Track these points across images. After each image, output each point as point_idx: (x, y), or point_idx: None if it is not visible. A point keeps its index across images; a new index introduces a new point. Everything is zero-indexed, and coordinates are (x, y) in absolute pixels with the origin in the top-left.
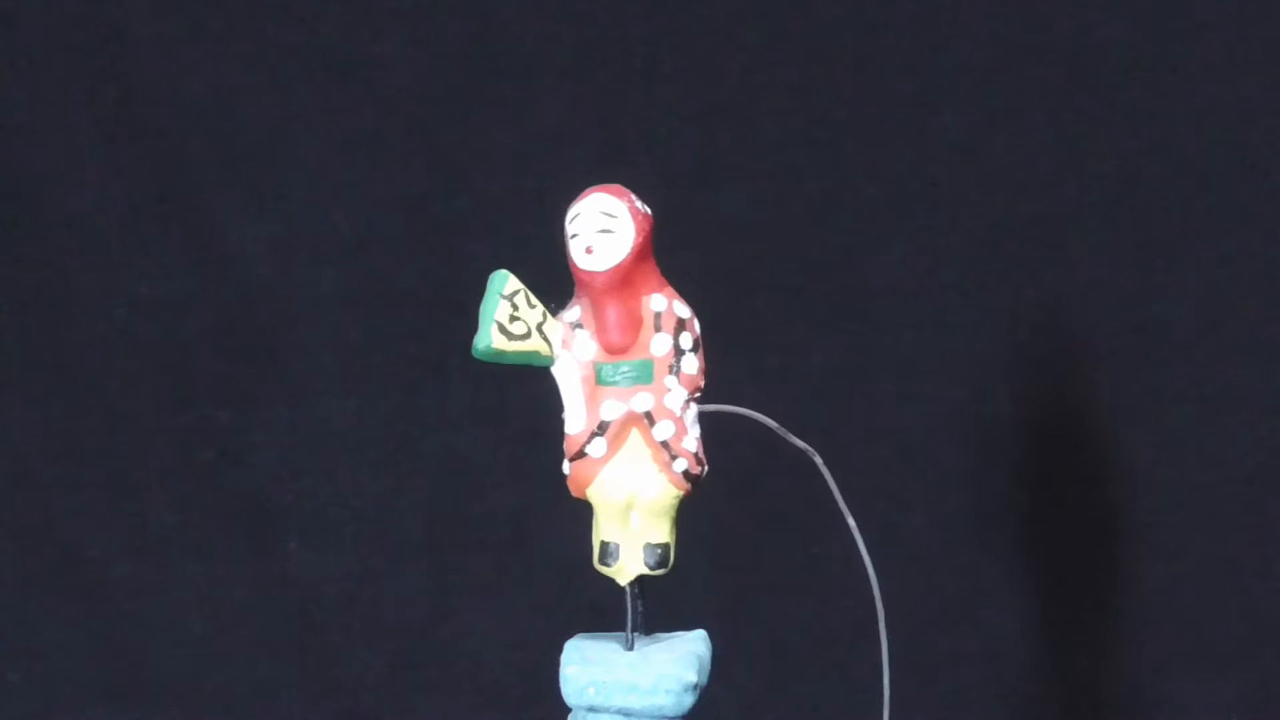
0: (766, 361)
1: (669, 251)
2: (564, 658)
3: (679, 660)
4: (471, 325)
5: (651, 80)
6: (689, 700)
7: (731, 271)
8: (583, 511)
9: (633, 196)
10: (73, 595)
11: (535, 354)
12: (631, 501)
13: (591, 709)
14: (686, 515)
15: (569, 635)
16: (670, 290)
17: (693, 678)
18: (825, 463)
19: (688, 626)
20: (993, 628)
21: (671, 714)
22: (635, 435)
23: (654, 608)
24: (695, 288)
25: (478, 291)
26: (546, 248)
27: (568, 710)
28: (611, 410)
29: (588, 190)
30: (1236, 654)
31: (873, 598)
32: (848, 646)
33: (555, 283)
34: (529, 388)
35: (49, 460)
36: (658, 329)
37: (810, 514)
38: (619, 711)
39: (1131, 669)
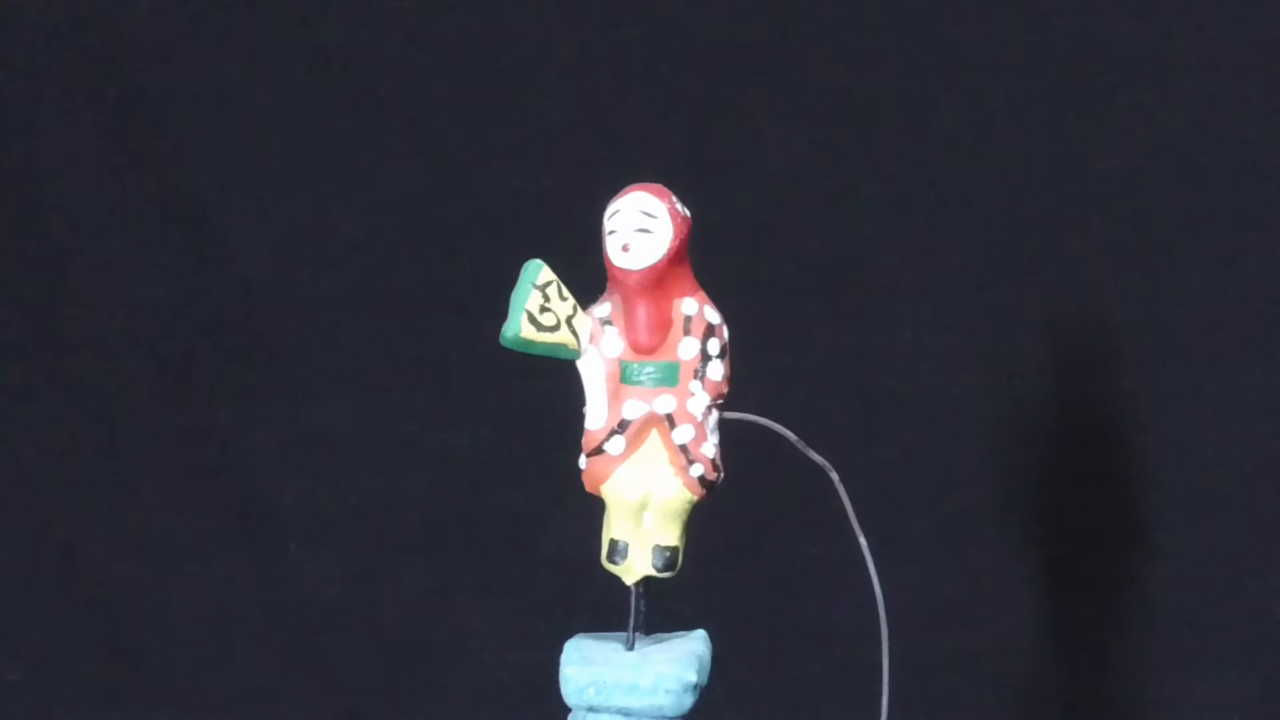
0: (767, 361)
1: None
2: (564, 658)
3: (679, 660)
4: (470, 325)
5: (651, 80)
6: (689, 700)
7: (732, 271)
8: (583, 513)
9: (674, 198)
10: (73, 596)
11: (563, 346)
12: (645, 502)
13: (591, 709)
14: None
15: (568, 635)
16: (702, 295)
17: (692, 678)
18: (822, 460)
19: (688, 626)
20: (993, 628)
21: (671, 714)
22: (655, 436)
23: (654, 607)
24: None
25: (477, 291)
26: (546, 248)
27: (567, 710)
28: (633, 409)
29: (629, 188)
30: (1237, 654)
31: (873, 598)
32: (848, 646)
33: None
34: (528, 388)
35: (49, 460)
36: (687, 332)
37: (811, 514)
38: (618, 711)
39: (1132, 669)
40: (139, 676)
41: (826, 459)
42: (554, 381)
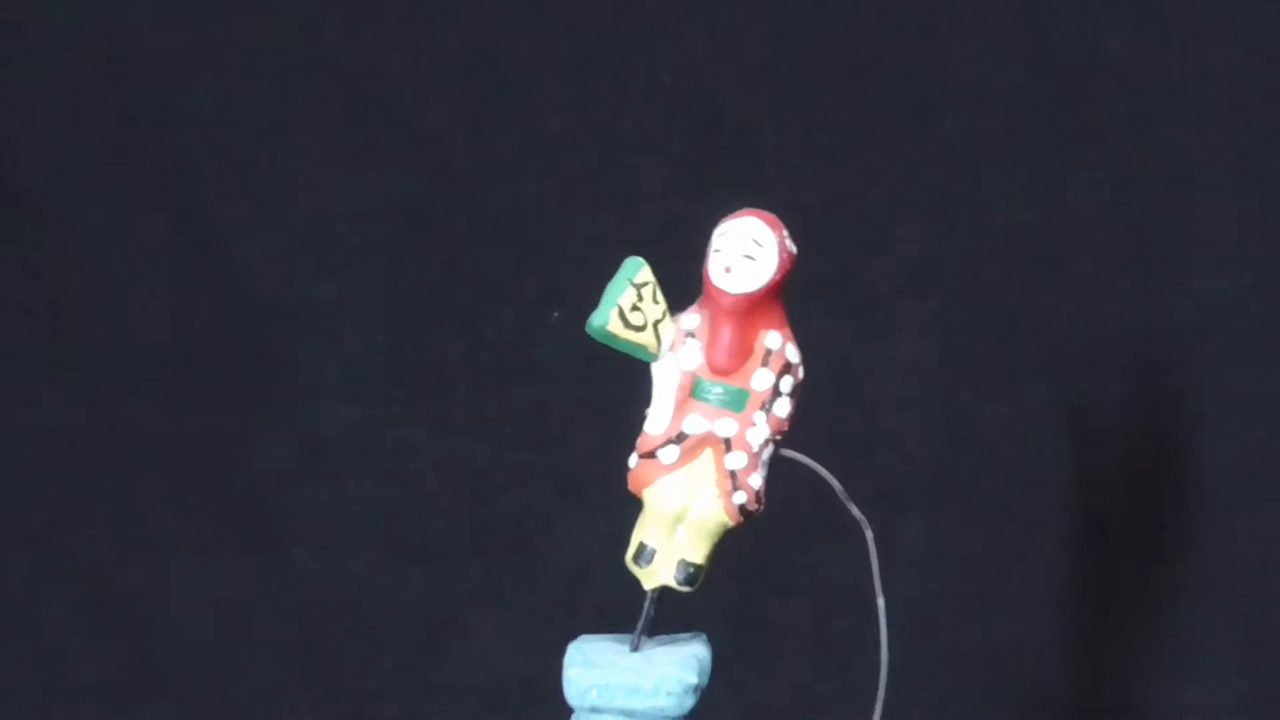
0: None
1: (672, 258)
2: (566, 660)
3: (680, 662)
4: (473, 331)
5: (651, 86)
6: (690, 702)
7: None
8: (584, 516)
9: (785, 232)
10: (77, 601)
11: (643, 348)
12: (682, 515)
13: (594, 710)
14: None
15: (571, 638)
16: (788, 332)
17: (694, 679)
18: (822, 464)
19: (688, 628)
20: (993, 628)
21: (673, 715)
22: (708, 455)
23: (661, 612)
24: (696, 292)
25: (479, 298)
26: (547, 253)
27: (570, 712)
28: (694, 425)
29: (744, 211)
30: (1235, 656)
31: (873, 604)
32: (848, 646)
33: (555, 284)
34: (530, 393)
35: (53, 467)
36: (764, 364)
37: (811, 515)
38: (621, 713)
39: (1131, 670)
40: (143, 682)
41: (826, 463)
42: (554, 386)
